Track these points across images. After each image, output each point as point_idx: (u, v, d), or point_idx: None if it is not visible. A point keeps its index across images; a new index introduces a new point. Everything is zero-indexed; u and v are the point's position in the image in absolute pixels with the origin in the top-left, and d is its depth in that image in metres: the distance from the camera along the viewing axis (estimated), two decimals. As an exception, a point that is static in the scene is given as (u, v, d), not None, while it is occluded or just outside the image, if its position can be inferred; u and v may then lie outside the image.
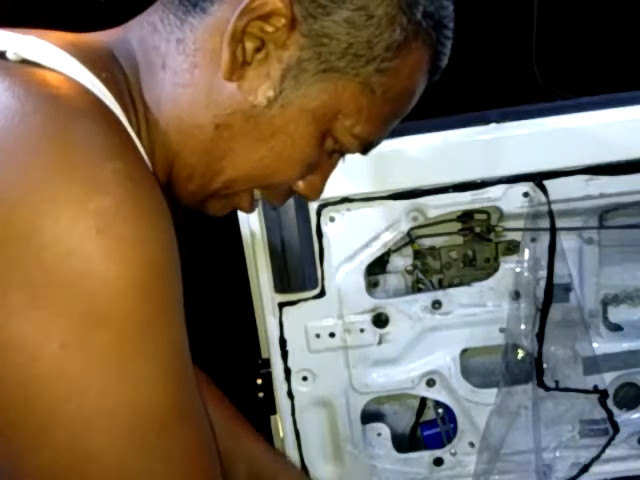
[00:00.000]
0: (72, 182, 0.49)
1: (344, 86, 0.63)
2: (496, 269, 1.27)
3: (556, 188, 1.18)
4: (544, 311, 1.23)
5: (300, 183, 0.70)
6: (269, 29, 0.60)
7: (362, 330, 1.26)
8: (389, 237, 1.22)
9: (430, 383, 1.31)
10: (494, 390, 1.30)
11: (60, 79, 0.55)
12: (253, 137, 0.63)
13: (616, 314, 1.32)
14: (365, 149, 0.70)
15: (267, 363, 1.30)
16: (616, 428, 1.31)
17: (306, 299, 1.24)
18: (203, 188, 0.67)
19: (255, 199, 0.72)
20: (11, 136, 0.50)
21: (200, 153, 0.64)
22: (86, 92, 0.56)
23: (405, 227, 1.22)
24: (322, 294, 1.24)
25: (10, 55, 0.56)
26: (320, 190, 0.73)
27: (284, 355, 1.27)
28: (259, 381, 1.33)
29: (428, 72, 0.68)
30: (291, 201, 1.16)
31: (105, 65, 0.61)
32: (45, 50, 0.58)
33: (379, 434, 1.35)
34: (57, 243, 0.48)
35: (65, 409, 0.49)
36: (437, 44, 0.66)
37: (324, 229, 1.21)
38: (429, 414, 1.40)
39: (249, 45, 0.60)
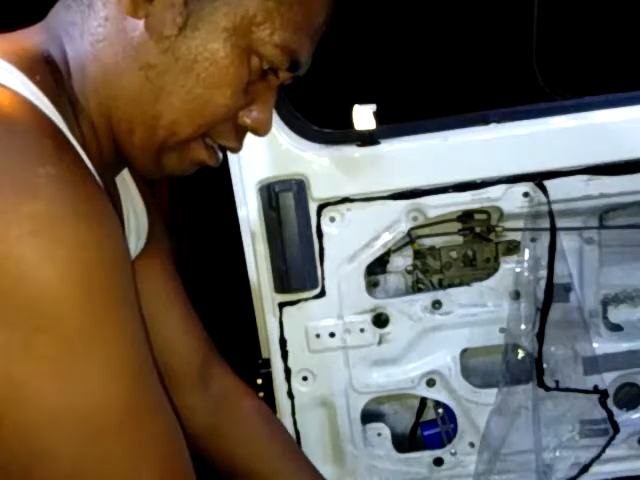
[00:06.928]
0: (4, 187, 0.49)
1: None
2: (496, 269, 1.27)
3: (556, 188, 1.18)
4: (544, 311, 1.23)
5: (245, 118, 0.69)
6: None
7: (362, 330, 1.26)
8: (389, 237, 1.22)
9: (430, 383, 1.31)
10: (494, 390, 1.30)
11: None
12: (177, 70, 0.63)
13: (616, 314, 1.32)
14: (293, 63, 0.67)
15: (267, 363, 1.30)
16: (616, 428, 1.31)
17: (306, 299, 1.24)
18: (149, 140, 0.66)
19: (210, 146, 0.70)
20: None
21: (133, 101, 0.64)
22: (19, 98, 0.55)
23: (405, 227, 1.22)
24: (322, 294, 1.24)
25: None
26: (267, 121, 0.70)
27: (284, 355, 1.27)
28: (259, 381, 1.33)
29: None
30: (291, 201, 1.16)
31: (38, 65, 0.61)
32: None
33: (379, 434, 1.35)
34: None
35: (11, 412, 0.49)
36: None
37: (324, 229, 1.21)
38: (429, 414, 1.40)
39: None
